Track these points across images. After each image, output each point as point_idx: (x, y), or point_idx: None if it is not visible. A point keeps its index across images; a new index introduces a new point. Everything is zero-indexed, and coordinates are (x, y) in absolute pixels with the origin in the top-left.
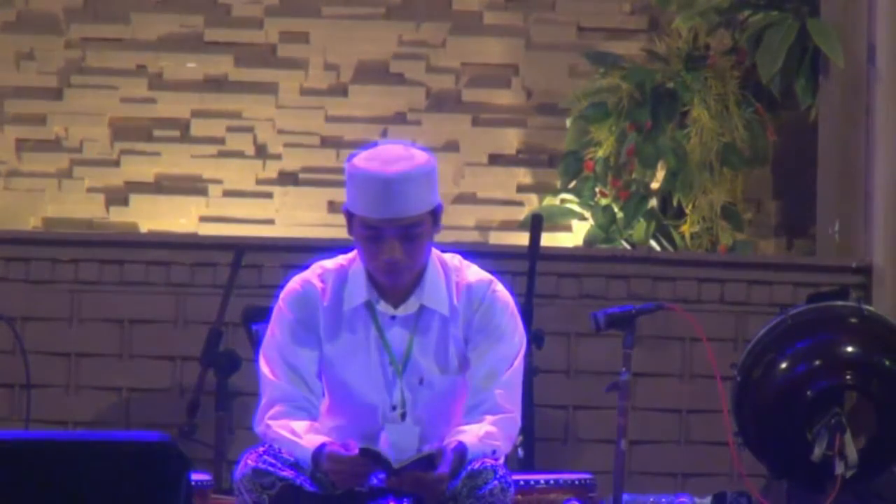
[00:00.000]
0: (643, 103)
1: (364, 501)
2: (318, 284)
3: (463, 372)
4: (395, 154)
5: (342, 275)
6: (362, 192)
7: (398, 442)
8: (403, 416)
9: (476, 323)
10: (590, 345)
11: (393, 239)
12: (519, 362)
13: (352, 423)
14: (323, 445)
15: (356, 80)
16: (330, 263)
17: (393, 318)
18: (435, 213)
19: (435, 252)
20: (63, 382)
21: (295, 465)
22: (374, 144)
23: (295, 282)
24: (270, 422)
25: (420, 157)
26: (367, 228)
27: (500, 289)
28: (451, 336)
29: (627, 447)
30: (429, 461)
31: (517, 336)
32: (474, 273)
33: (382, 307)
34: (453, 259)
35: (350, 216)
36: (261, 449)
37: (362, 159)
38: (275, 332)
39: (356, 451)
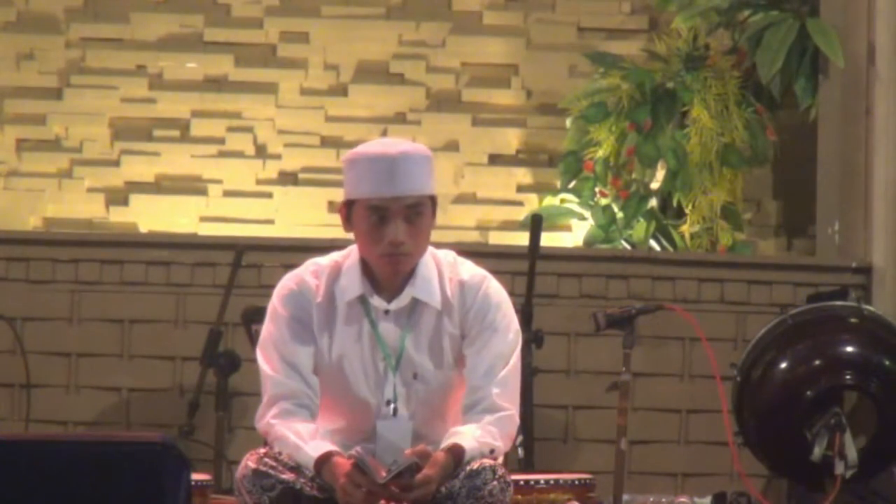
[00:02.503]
0: (643, 103)
1: None
2: (313, 281)
3: (457, 367)
4: (394, 140)
5: (336, 271)
6: (367, 173)
7: (392, 438)
8: (395, 411)
9: (471, 320)
10: (590, 345)
11: (398, 219)
12: (515, 358)
13: (349, 423)
14: (329, 454)
15: (356, 80)
16: (324, 260)
17: (386, 312)
18: (434, 202)
19: (429, 248)
20: (63, 382)
21: (296, 469)
22: None
23: (289, 279)
24: (274, 420)
25: (418, 144)
26: (372, 211)
27: (494, 285)
28: (445, 331)
29: (627, 447)
30: (410, 470)
31: (512, 332)
32: (468, 269)
33: (376, 301)
34: (447, 255)
35: (349, 208)
36: (262, 450)
37: (362, 147)
38: (271, 331)
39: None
